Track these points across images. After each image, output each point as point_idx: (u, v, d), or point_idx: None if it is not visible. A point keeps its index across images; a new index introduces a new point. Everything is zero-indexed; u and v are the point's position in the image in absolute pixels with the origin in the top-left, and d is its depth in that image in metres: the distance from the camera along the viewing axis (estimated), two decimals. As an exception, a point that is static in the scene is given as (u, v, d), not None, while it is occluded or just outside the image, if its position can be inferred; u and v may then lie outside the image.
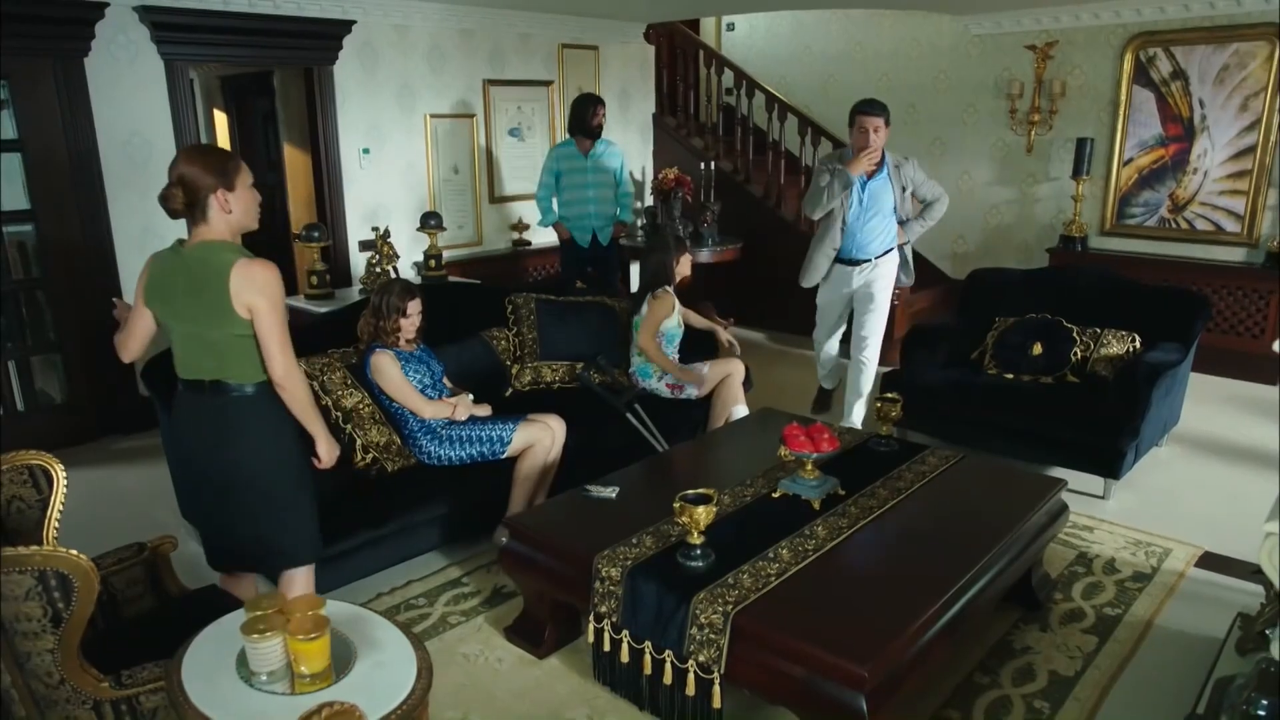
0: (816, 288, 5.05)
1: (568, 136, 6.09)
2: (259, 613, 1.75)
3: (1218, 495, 4.23)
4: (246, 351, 2.41)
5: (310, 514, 2.66)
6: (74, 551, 1.82)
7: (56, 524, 2.28)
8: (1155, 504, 4.10)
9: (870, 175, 4.62)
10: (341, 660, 1.78)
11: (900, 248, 4.87)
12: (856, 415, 4.94)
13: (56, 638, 1.82)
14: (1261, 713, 2.10)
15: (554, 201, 6.05)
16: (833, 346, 5.23)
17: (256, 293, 2.34)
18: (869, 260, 4.75)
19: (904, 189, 4.71)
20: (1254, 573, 3.07)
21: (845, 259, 4.79)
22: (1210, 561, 3.58)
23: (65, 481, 2.31)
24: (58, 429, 4.92)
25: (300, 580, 2.66)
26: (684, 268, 4.52)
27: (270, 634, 1.70)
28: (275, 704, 1.67)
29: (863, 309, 4.85)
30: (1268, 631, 2.43)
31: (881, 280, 4.79)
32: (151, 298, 2.47)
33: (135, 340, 2.56)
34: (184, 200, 2.37)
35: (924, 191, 4.78)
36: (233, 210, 2.40)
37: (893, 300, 5.14)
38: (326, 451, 2.69)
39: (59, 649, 1.83)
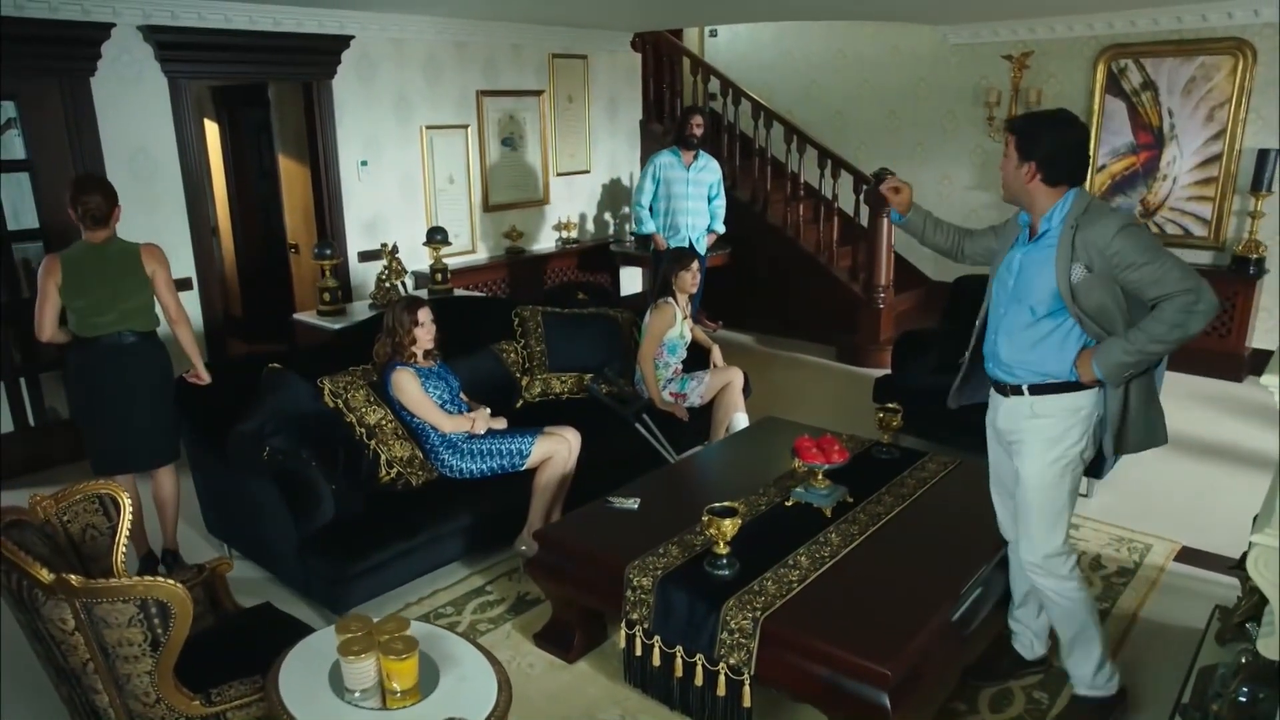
0: None
1: (674, 146, 6.24)
2: (352, 634, 1.90)
3: (1192, 491, 4.50)
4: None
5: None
6: (171, 581, 1.96)
7: (124, 549, 2.41)
8: (1135, 501, 4.35)
9: (1032, 233, 2.58)
10: (426, 677, 1.94)
11: (1075, 389, 2.54)
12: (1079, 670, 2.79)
13: (154, 660, 1.96)
14: (1243, 699, 2.33)
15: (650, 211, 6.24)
16: (1006, 521, 2.90)
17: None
18: (1012, 390, 2.64)
19: (1083, 271, 2.44)
20: (1230, 568, 3.32)
21: (993, 378, 2.74)
22: (1188, 556, 3.83)
23: (131, 509, 2.44)
24: (66, 445, 4.99)
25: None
26: (684, 282, 4.66)
27: (365, 654, 1.85)
28: (370, 719, 1.83)
29: (1011, 478, 2.77)
30: (1247, 625, 2.66)
31: (1029, 435, 2.62)
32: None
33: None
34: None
35: (1147, 286, 2.40)
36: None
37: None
38: None
39: (156, 670, 1.97)
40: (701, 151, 6.27)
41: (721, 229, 6.46)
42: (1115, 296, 2.45)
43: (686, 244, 6.22)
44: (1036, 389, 2.59)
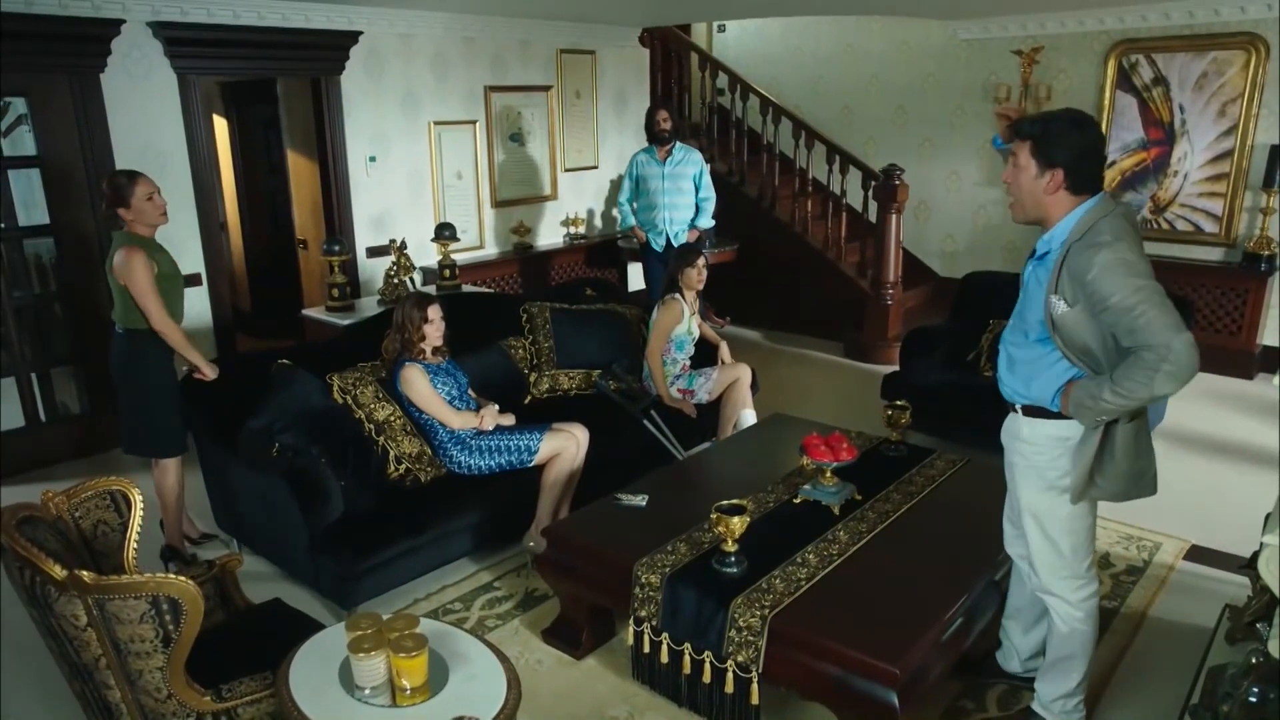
0: None
1: (649, 144, 6.26)
2: (362, 632, 1.91)
3: (1201, 489, 4.47)
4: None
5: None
6: (183, 578, 1.97)
7: (135, 545, 2.42)
8: (1144, 499, 4.32)
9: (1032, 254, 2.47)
10: (436, 675, 1.94)
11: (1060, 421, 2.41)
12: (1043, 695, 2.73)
13: (166, 656, 1.97)
14: (1253, 699, 2.32)
15: (633, 206, 6.32)
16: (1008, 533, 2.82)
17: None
18: (1010, 406, 2.56)
19: (1064, 305, 2.28)
20: (1241, 568, 3.32)
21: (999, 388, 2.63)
22: (1197, 554, 3.81)
23: (142, 505, 2.45)
24: (76, 439, 5.02)
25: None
26: (689, 278, 4.65)
27: (375, 651, 1.86)
28: (379, 716, 1.84)
29: (1013, 495, 2.68)
30: (1258, 625, 2.65)
31: (1019, 459, 2.56)
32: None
33: None
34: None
35: (1121, 333, 2.21)
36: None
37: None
38: None
39: (168, 667, 1.98)
40: (679, 145, 6.19)
41: (707, 223, 6.34)
42: (1100, 337, 2.26)
43: (664, 239, 6.21)
44: (1028, 410, 2.48)
